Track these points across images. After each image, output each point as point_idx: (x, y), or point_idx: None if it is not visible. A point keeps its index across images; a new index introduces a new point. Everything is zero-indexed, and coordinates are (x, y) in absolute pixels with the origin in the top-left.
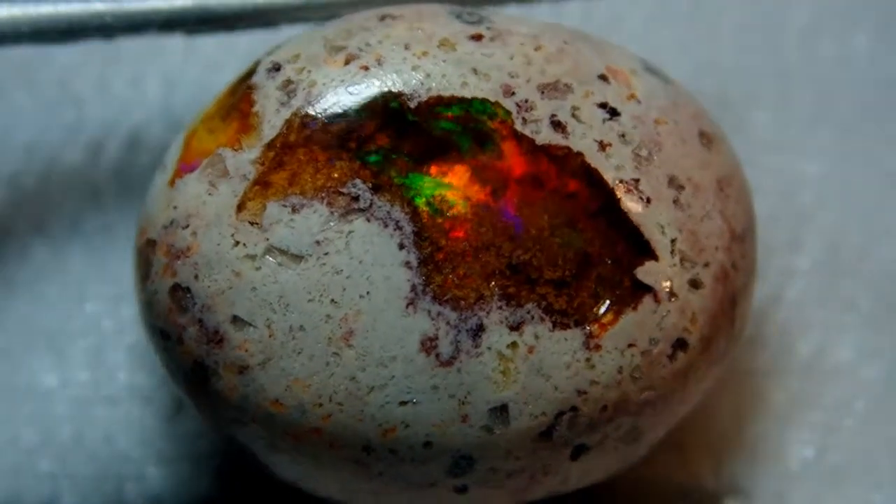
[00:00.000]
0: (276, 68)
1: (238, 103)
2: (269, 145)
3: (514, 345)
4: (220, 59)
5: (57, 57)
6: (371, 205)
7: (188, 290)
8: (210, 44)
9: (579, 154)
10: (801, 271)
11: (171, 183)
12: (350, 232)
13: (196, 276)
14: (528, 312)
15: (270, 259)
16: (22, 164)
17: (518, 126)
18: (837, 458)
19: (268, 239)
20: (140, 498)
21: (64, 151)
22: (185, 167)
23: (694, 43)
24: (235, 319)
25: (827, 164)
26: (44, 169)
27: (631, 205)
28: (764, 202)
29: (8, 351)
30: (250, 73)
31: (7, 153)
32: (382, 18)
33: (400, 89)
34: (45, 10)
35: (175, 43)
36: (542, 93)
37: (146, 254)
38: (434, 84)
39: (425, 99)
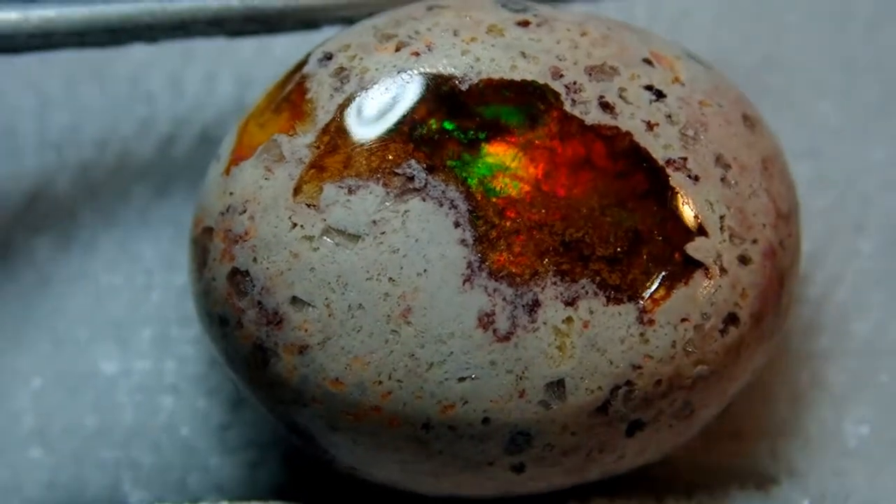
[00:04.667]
0: (329, 57)
1: (290, 94)
2: (324, 129)
3: (569, 320)
4: (293, 58)
5: (130, 54)
6: (426, 185)
7: (247, 273)
8: (282, 43)
9: (628, 133)
10: (863, 254)
11: (227, 172)
12: (406, 211)
13: (254, 259)
14: (583, 288)
15: (328, 239)
16: (92, 157)
17: (567, 107)
18: (894, 434)
19: (325, 220)
20: (202, 487)
21: (135, 146)
22: (240, 158)
23: (759, 37)
24: (294, 300)
25: (891, 150)
26: (114, 162)
27: (680, 182)
28: (829, 189)
29: (73, 339)
30: (301, 64)
31: (77, 146)
32: (430, 9)
33: (451, 73)
34: (83, 11)
35: (248, 43)
36: (590, 75)
37: (203, 242)
38: (483, 67)
39: (475, 82)
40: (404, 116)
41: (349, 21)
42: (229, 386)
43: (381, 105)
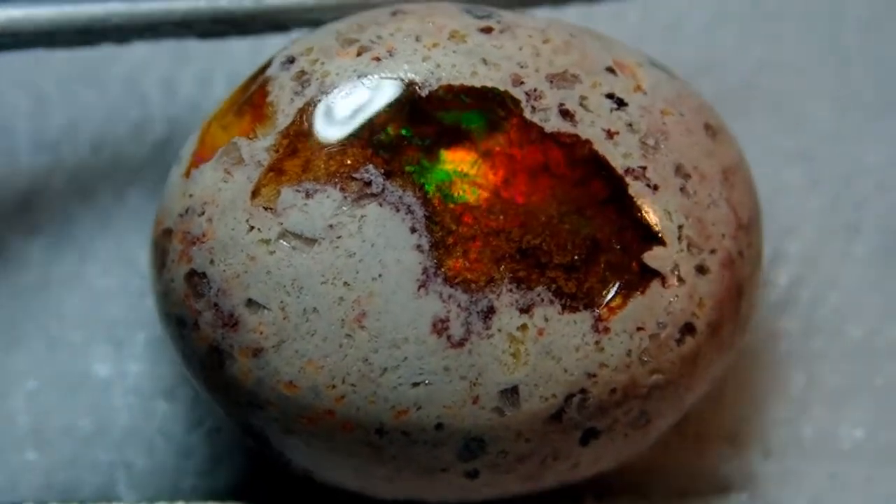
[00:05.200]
0: (291, 61)
1: (252, 97)
2: (284, 133)
3: (524, 327)
4: None
5: (124, 55)
6: (383, 190)
7: (204, 275)
8: (277, 44)
9: (587, 142)
10: (857, 256)
11: (187, 174)
12: (363, 216)
13: (211, 261)
14: (539, 295)
15: (284, 243)
16: (87, 159)
17: (527, 114)
18: (889, 436)
19: (282, 223)
20: (196, 490)
21: (129, 148)
22: (200, 160)
23: (753, 40)
24: (250, 302)
25: (885, 152)
26: (109, 165)
27: (638, 191)
28: (823, 191)
29: (68, 341)
30: (265, 67)
31: (73, 148)
32: (394, 14)
33: (411, 78)
34: (50, 12)
35: (242, 44)
36: (551, 82)
37: (162, 244)
38: (444, 73)
39: (436, 88)
40: (364, 121)
41: (318, 23)
42: None
43: (340, 110)
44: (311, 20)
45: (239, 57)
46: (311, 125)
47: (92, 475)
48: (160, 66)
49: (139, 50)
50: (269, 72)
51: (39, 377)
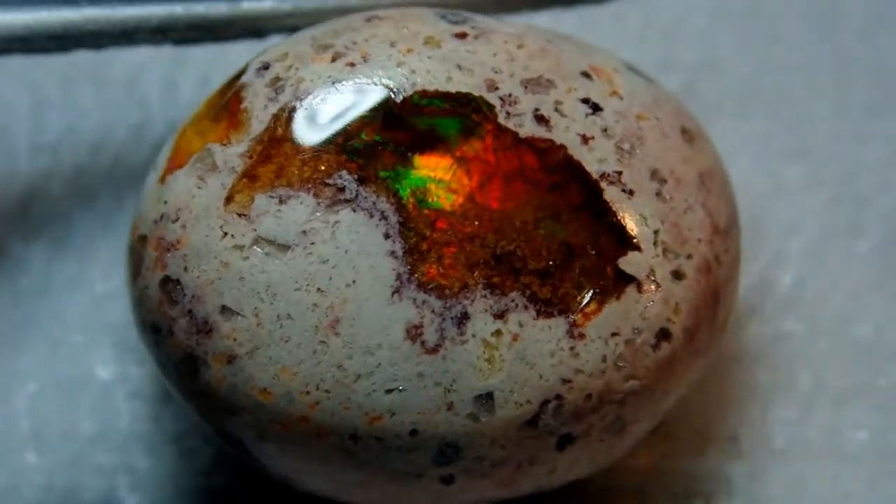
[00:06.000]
0: (265, 67)
1: (227, 102)
2: (257, 139)
3: (498, 332)
4: None
5: (123, 58)
6: (357, 196)
7: (178, 281)
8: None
9: (562, 147)
10: (860, 256)
11: (162, 180)
12: (336, 222)
13: (185, 268)
14: (513, 301)
15: (258, 249)
16: (87, 162)
17: (502, 119)
18: (894, 438)
19: (255, 230)
20: (198, 493)
21: (129, 151)
22: (175, 165)
23: (753, 40)
24: (224, 309)
25: (885, 150)
26: (109, 167)
27: (613, 197)
28: (824, 191)
29: (69, 343)
30: (240, 74)
31: (73, 151)
32: (369, 20)
33: (386, 84)
34: (25, 18)
35: (242, 47)
36: (526, 87)
37: (138, 250)
38: (419, 79)
39: (410, 93)
40: (338, 127)
41: (295, 30)
42: None
43: (314, 116)
44: (288, 26)
45: (238, 60)
46: (284, 131)
47: (93, 478)
48: (160, 68)
49: (139, 52)
50: (245, 78)
51: (41, 380)
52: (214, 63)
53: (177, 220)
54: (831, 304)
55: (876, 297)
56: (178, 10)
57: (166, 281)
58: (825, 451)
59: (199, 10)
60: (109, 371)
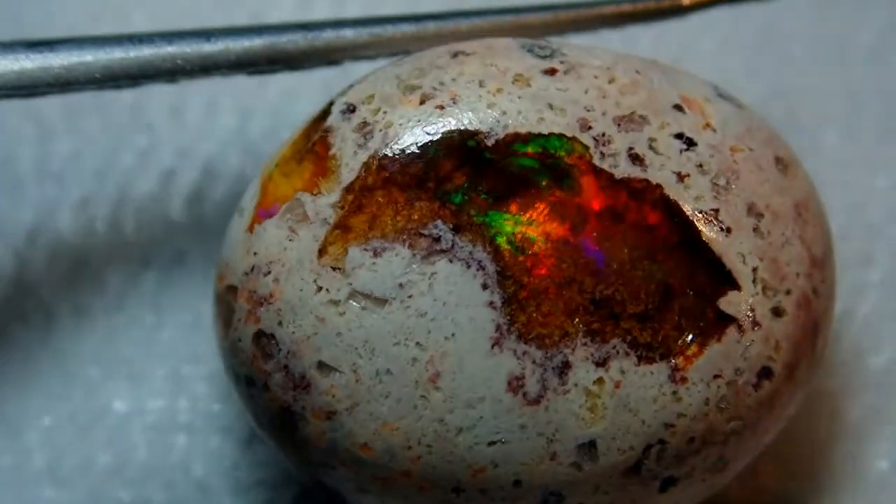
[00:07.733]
0: (352, 110)
1: (314, 146)
2: (348, 188)
3: (600, 381)
4: (296, 87)
5: None
6: (453, 245)
7: (272, 336)
8: (281, 77)
9: (658, 186)
10: (873, 285)
11: (251, 229)
12: (433, 274)
13: (280, 323)
14: (614, 348)
15: (354, 304)
16: (93, 189)
17: (596, 160)
18: None
19: (350, 283)
20: None
21: (136, 178)
22: (264, 213)
23: (763, 67)
24: (321, 365)
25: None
26: (115, 195)
27: (711, 235)
28: (834, 218)
29: (85, 377)
30: (324, 114)
31: (78, 178)
32: (455, 55)
33: (476, 127)
34: (116, 55)
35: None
36: (619, 125)
37: (227, 300)
38: (510, 121)
39: (502, 136)
40: (429, 174)
41: (370, 59)
42: (242, 424)
43: (405, 162)
44: (365, 56)
45: (244, 86)
46: (375, 179)
47: None
48: (166, 94)
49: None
50: (331, 121)
51: (56, 414)
52: (220, 88)
53: (269, 273)
54: (847, 336)
55: (891, 327)
56: (257, 43)
57: (260, 335)
58: (846, 482)
59: (280, 42)
60: (126, 404)
